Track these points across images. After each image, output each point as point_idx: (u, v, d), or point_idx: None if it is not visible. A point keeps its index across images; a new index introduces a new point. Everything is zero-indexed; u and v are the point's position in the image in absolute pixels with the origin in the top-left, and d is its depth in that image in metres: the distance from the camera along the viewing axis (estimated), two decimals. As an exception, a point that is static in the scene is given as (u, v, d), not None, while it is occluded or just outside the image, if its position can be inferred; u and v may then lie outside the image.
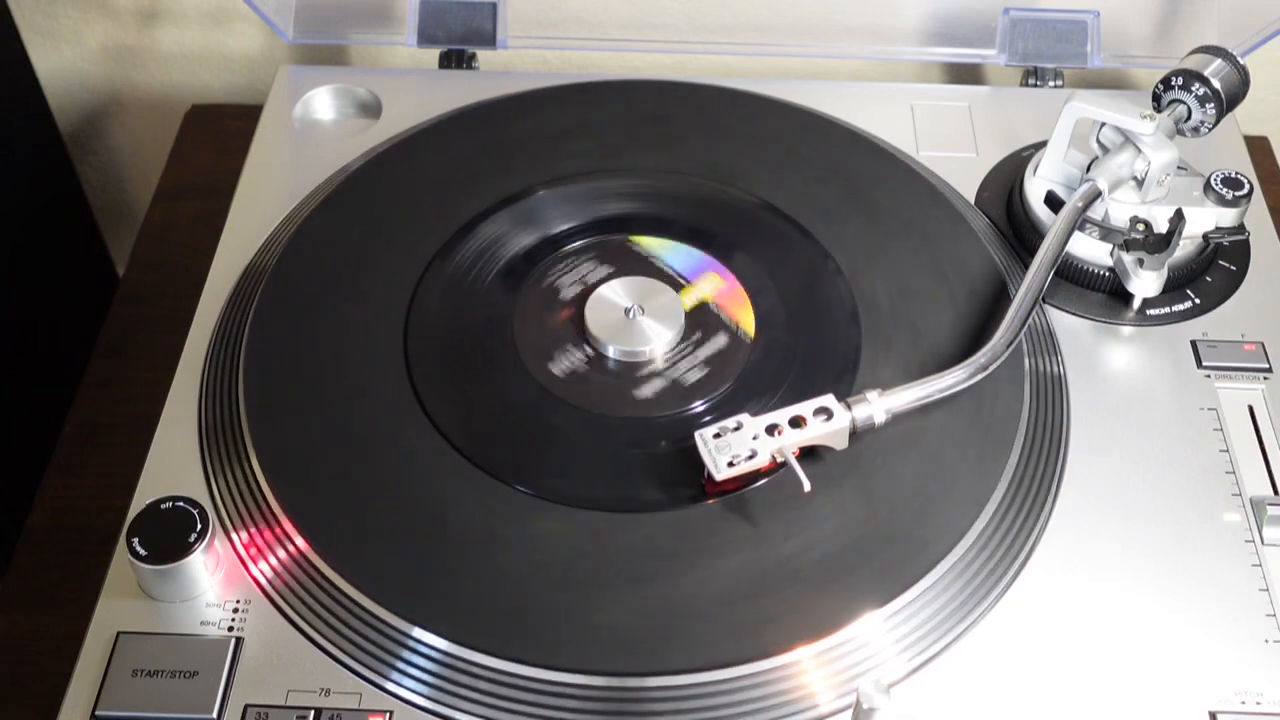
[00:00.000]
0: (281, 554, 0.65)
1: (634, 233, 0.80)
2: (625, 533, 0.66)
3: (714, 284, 0.77)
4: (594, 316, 0.74)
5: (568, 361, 0.73)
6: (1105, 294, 0.78)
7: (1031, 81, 0.94)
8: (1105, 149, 0.78)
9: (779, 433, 0.66)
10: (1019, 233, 0.81)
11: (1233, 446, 0.71)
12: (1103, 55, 0.92)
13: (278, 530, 0.66)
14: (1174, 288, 0.77)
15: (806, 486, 0.64)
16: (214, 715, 0.60)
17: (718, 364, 0.73)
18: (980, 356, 0.69)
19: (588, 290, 0.76)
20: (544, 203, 0.81)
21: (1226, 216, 0.76)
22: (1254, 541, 0.67)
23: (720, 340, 0.74)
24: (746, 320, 0.75)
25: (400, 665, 0.62)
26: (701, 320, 0.75)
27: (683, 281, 0.77)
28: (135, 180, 1.20)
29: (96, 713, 0.61)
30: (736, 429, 0.66)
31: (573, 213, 0.81)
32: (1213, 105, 0.77)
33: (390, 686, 0.62)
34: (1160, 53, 0.93)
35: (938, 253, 0.78)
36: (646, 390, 0.72)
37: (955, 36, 0.94)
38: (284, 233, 0.80)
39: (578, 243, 0.79)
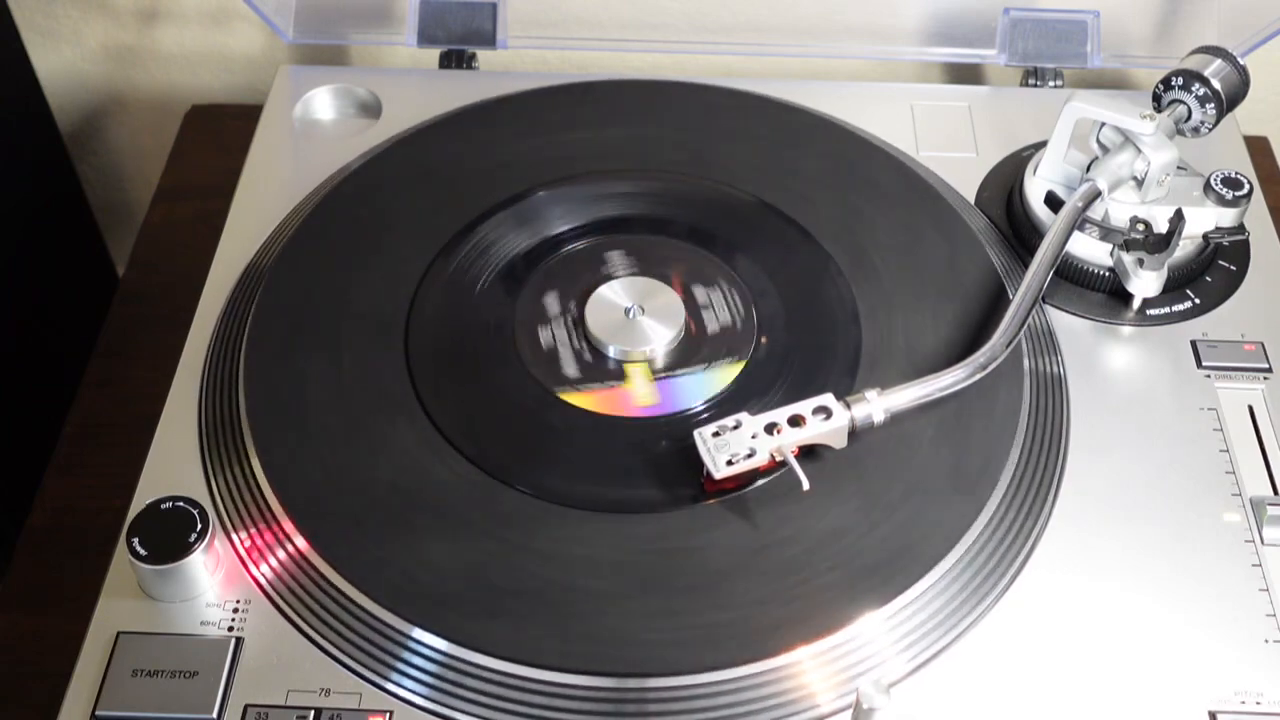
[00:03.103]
0: (281, 554, 0.65)
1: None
2: (625, 533, 0.66)
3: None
4: (594, 316, 0.74)
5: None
6: (1105, 294, 0.78)
7: (1031, 81, 0.94)
8: (1105, 149, 0.78)
9: (778, 431, 0.66)
10: (1019, 233, 0.81)
11: (1233, 446, 0.71)
12: (1103, 55, 0.92)
13: (278, 530, 0.66)
14: (1174, 288, 0.77)
15: (806, 485, 0.64)
16: (214, 715, 0.60)
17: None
18: (980, 356, 0.69)
19: (588, 290, 0.76)
20: (544, 203, 0.81)
21: (1226, 216, 0.76)
22: (1254, 541, 0.67)
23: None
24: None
25: (400, 665, 0.62)
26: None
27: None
28: (135, 180, 1.20)
29: (96, 713, 0.61)
30: (735, 428, 0.66)
31: (573, 213, 0.81)
32: (1213, 105, 0.77)
33: (390, 686, 0.62)
34: (1160, 53, 0.93)
35: (938, 253, 0.78)
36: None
37: (955, 36, 0.94)
38: (284, 233, 0.80)
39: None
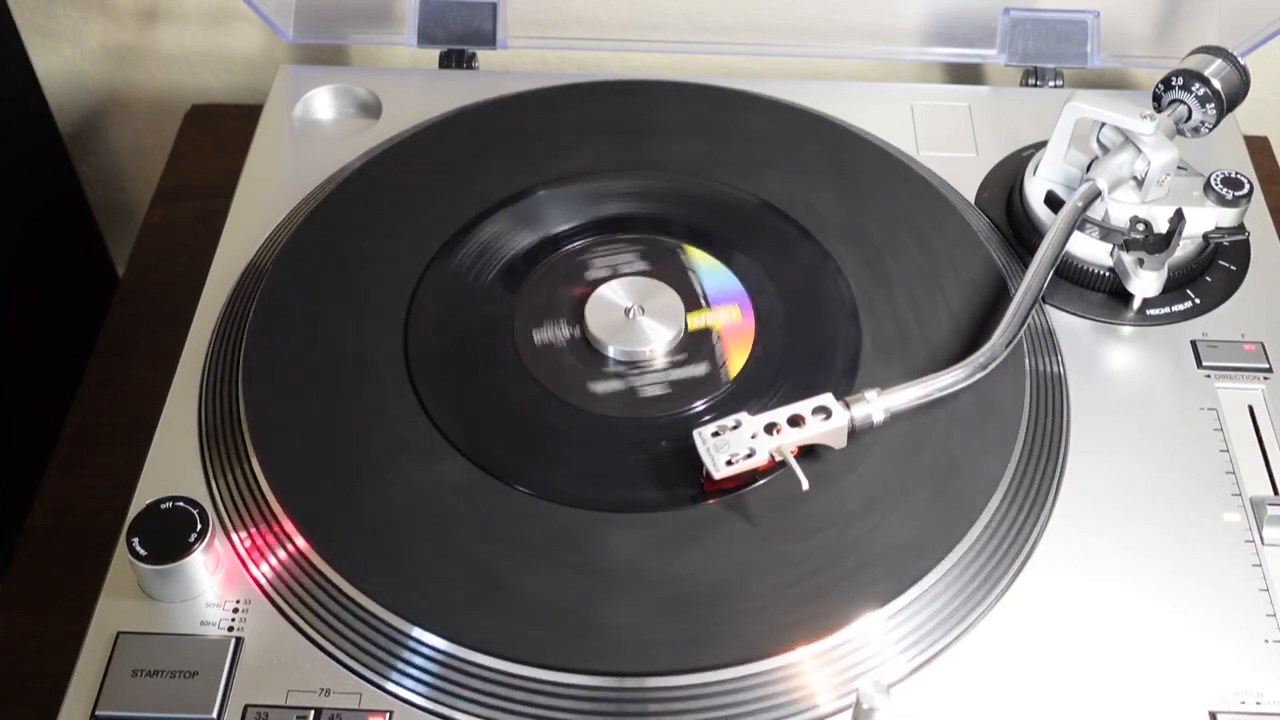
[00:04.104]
0: (281, 554, 0.65)
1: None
2: (625, 533, 0.66)
3: (729, 317, 0.75)
4: (594, 316, 0.74)
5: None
6: (1105, 294, 0.78)
7: (1031, 81, 0.94)
8: (1105, 149, 0.78)
9: (778, 431, 0.66)
10: (1019, 233, 0.81)
11: (1233, 446, 0.71)
12: (1103, 55, 0.92)
13: (278, 530, 0.66)
14: (1174, 288, 0.77)
15: (805, 486, 0.64)
16: (214, 715, 0.60)
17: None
18: (980, 356, 0.69)
19: (588, 290, 0.76)
20: (544, 203, 0.81)
21: (1226, 216, 0.76)
22: (1254, 541, 0.67)
23: (708, 358, 0.74)
24: (737, 359, 0.73)
25: (400, 665, 0.62)
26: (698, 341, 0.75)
27: (704, 304, 0.76)
28: (135, 180, 1.20)
29: (96, 713, 0.61)
30: (735, 428, 0.66)
31: (573, 213, 0.81)
32: (1213, 105, 0.77)
33: (390, 686, 0.62)
34: (1160, 53, 0.93)
35: (937, 252, 0.78)
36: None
37: (955, 36, 0.94)
38: (284, 233, 0.80)
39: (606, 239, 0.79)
